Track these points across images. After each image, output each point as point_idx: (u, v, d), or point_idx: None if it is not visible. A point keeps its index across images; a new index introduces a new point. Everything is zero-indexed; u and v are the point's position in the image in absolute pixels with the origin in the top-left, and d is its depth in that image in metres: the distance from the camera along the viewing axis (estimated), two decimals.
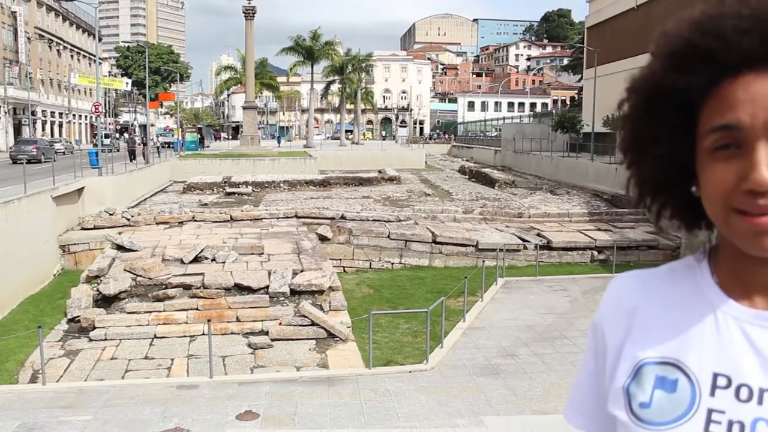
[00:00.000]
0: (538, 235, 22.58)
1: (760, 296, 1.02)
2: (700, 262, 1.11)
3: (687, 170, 1.03)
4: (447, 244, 21.25)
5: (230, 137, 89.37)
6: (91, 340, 13.09)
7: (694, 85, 0.96)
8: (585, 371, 1.21)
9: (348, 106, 77.32)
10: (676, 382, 1.03)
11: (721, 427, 0.97)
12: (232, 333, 13.43)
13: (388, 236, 21.23)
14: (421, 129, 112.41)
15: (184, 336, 13.26)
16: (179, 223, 21.97)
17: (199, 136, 62.65)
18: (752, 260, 0.99)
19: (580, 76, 67.64)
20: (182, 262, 16.11)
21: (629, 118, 1.06)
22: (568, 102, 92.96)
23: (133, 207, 26.70)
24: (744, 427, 0.95)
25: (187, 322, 13.67)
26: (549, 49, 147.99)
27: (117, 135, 68.96)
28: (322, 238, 20.79)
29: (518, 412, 9.77)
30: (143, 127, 66.29)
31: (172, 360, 12.25)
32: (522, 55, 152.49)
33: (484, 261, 18.58)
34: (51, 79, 71.33)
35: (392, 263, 21.04)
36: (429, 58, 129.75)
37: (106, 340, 13.06)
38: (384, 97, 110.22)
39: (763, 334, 0.99)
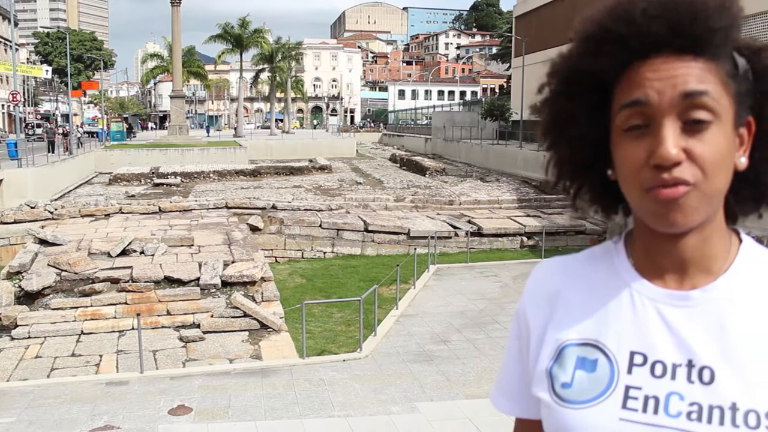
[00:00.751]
0: (469, 222, 22.86)
1: (672, 276, 1.07)
2: (617, 245, 1.16)
3: (603, 152, 1.07)
4: (379, 232, 21.32)
5: (157, 127, 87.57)
6: (13, 338, 12.64)
7: (607, 68, 1.01)
8: (509, 357, 1.24)
9: (278, 95, 76.55)
10: (596, 362, 1.07)
11: (638, 403, 1.02)
12: (162, 327, 13.18)
13: (320, 225, 21.17)
14: (352, 117, 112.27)
15: (113, 331, 12.94)
16: (105, 215, 21.40)
17: (126, 125, 61.06)
18: (663, 240, 1.05)
19: (508, 64, 68.61)
20: (109, 255, 15.70)
21: (549, 101, 1.11)
22: (497, 90, 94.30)
23: (56, 200, 25.90)
24: (659, 401, 1.01)
25: (115, 317, 13.35)
26: (478, 38, 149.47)
27: (48, 125, 66.73)
28: (254, 229, 20.59)
29: (452, 397, 9.89)
30: (66, 116, 64.24)
31: (101, 356, 11.95)
32: (451, 43, 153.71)
33: (415, 248, 18.71)
34: None
35: (324, 252, 21.00)
36: (359, 47, 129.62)
37: (29, 338, 12.63)
38: (314, 85, 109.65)
39: (675, 312, 1.05)
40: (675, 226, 0.99)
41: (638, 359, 1.05)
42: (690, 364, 1.01)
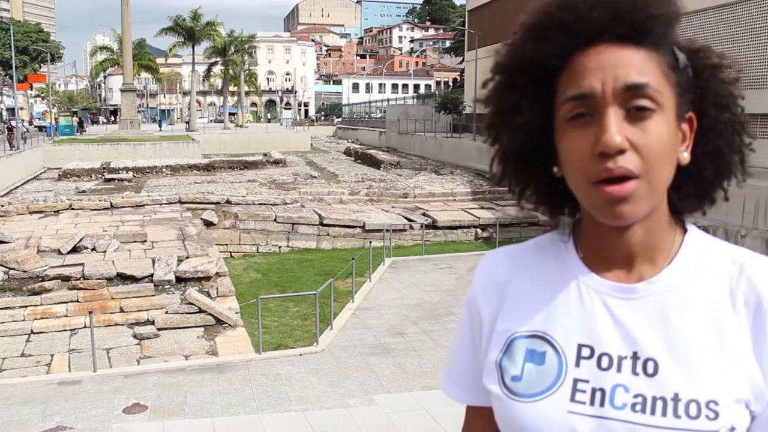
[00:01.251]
0: (424, 214, 22.98)
1: (619, 269, 1.08)
2: (565, 237, 1.16)
3: (547, 149, 1.08)
4: (334, 225, 21.31)
5: (108, 121, 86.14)
6: None
7: (550, 55, 1.01)
8: (461, 345, 1.24)
9: (231, 89, 75.80)
10: (545, 355, 1.08)
11: (586, 395, 1.03)
12: (116, 324, 12.99)
13: (275, 220, 21.07)
14: (306, 111, 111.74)
15: (65, 330, 12.70)
16: (55, 211, 20.96)
17: (77, 120, 59.77)
18: (609, 233, 1.06)
19: (461, 58, 68.97)
20: (60, 252, 15.41)
21: (493, 93, 1.11)
22: (450, 83, 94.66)
23: (2, 196, 25.28)
24: (605, 393, 1.02)
25: (67, 315, 13.11)
26: (431, 32, 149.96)
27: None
28: (208, 224, 20.40)
29: (408, 389, 9.95)
30: (11, 110, 62.66)
31: (52, 356, 11.72)
32: (405, 37, 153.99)
33: (371, 242, 18.74)
34: None
35: (280, 247, 20.91)
36: (313, 40, 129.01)
37: None
38: (268, 79, 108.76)
39: (621, 304, 1.06)
40: (622, 220, 0.99)
41: (585, 352, 1.06)
42: (635, 356, 1.03)
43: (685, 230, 1.12)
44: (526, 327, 1.11)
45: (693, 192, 1.10)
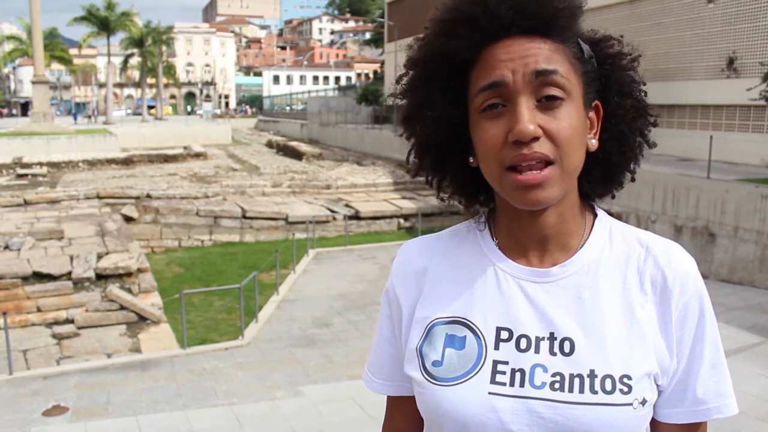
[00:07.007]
0: (347, 205, 23.11)
1: (534, 254, 1.13)
2: (481, 225, 1.21)
3: (463, 141, 1.12)
4: (257, 218, 21.22)
5: (20, 114, 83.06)
6: None
7: (461, 49, 1.05)
8: (381, 337, 1.27)
9: (149, 81, 74.03)
10: (465, 339, 1.11)
11: (506, 377, 1.07)
12: (32, 324, 12.63)
13: (197, 213, 20.85)
14: (227, 103, 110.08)
15: None
16: None
17: None
18: (524, 219, 1.11)
19: (381, 50, 69.19)
20: None
21: (408, 88, 1.14)
22: (371, 75, 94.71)
23: None
24: (525, 373, 1.06)
25: None
26: (352, 24, 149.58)
27: None
28: (128, 219, 20.01)
29: (335, 380, 10.04)
30: None
31: None
32: (325, 29, 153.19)
33: (294, 234, 18.76)
34: None
35: (202, 240, 20.71)
36: (232, 31, 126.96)
37: None
38: (187, 70, 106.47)
39: (536, 288, 1.11)
40: (536, 204, 1.03)
41: (504, 335, 1.09)
42: (552, 337, 1.07)
43: (595, 215, 1.17)
44: (446, 313, 1.14)
45: (601, 177, 1.16)
